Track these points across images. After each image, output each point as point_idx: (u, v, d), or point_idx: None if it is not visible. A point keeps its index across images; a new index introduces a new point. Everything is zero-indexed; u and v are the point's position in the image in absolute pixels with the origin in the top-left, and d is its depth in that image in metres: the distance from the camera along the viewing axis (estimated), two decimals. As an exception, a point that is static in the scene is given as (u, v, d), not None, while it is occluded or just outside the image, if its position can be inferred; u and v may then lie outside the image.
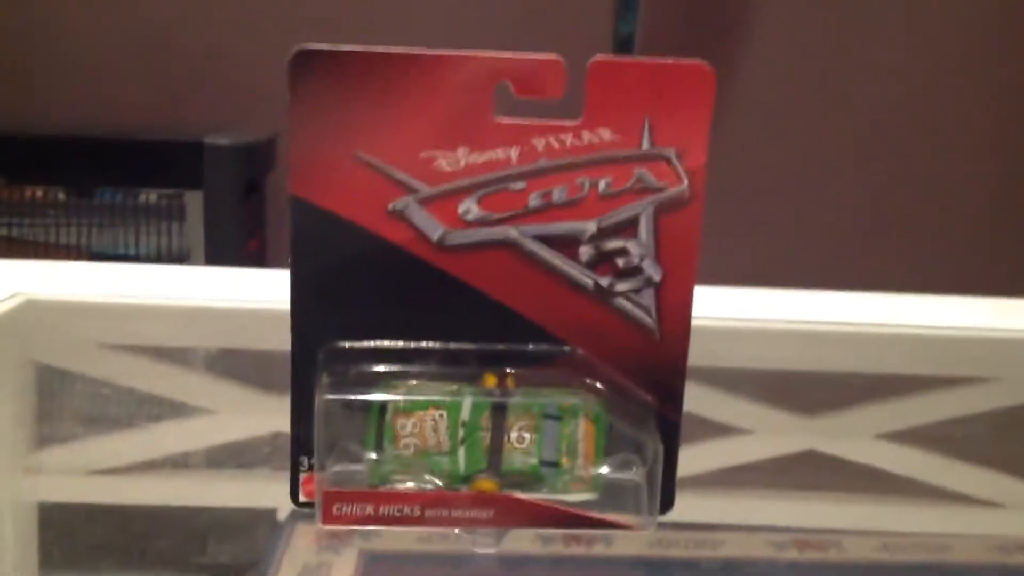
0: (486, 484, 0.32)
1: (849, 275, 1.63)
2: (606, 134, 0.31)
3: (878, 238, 1.69)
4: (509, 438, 0.32)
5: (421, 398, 0.32)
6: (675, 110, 0.31)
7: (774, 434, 0.44)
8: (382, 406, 0.32)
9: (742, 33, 1.65)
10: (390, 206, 0.31)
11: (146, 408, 0.43)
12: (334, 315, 0.32)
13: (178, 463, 0.44)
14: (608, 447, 0.33)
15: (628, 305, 0.33)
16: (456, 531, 0.32)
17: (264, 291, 0.43)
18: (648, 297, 0.33)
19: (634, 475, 0.33)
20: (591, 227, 0.32)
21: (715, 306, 0.43)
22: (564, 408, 0.32)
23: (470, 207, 0.31)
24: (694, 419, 0.43)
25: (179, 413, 0.43)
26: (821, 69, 1.65)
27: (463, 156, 0.31)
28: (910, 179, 1.68)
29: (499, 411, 0.32)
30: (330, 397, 0.32)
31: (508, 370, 0.33)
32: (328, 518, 0.31)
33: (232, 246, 1.40)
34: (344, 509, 0.31)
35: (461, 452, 0.32)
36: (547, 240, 0.32)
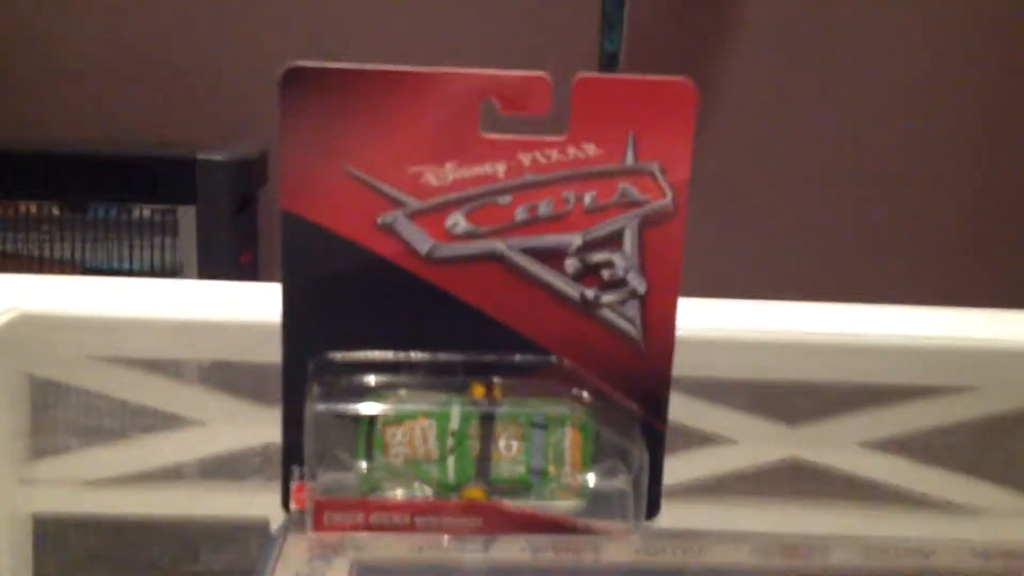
0: (475, 492, 0.33)
1: (831, 286, 1.64)
2: (591, 149, 0.32)
3: (860, 250, 1.70)
4: (497, 447, 0.33)
5: (410, 408, 0.33)
6: (658, 125, 0.32)
7: (758, 443, 0.45)
8: (372, 416, 0.32)
9: (725, 50, 1.67)
10: (379, 220, 0.32)
11: (139, 420, 0.44)
12: (324, 327, 0.33)
13: (171, 474, 0.44)
14: (594, 455, 0.33)
15: (613, 316, 0.33)
16: (446, 539, 0.33)
17: (256, 304, 0.43)
18: (633, 308, 0.33)
19: (620, 483, 0.33)
20: (577, 240, 0.33)
21: (699, 317, 0.43)
22: (551, 417, 0.33)
23: (458, 221, 0.32)
24: (679, 428, 0.43)
25: (172, 425, 0.44)
26: (804, 84, 1.67)
27: (451, 171, 0.32)
28: (892, 191, 1.70)
29: (487, 420, 0.33)
30: (321, 407, 0.32)
31: (495, 380, 0.33)
32: (319, 526, 0.32)
33: (225, 260, 1.41)
34: (335, 517, 0.32)
35: (450, 461, 0.33)
36: (534, 253, 0.33)
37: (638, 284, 0.33)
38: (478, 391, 0.33)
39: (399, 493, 0.32)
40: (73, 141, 1.54)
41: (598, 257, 0.33)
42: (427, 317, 0.33)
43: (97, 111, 1.62)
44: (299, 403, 0.32)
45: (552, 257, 0.33)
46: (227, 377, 0.43)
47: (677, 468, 0.43)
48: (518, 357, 0.33)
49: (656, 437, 0.34)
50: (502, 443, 0.33)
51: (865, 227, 1.70)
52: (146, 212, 1.41)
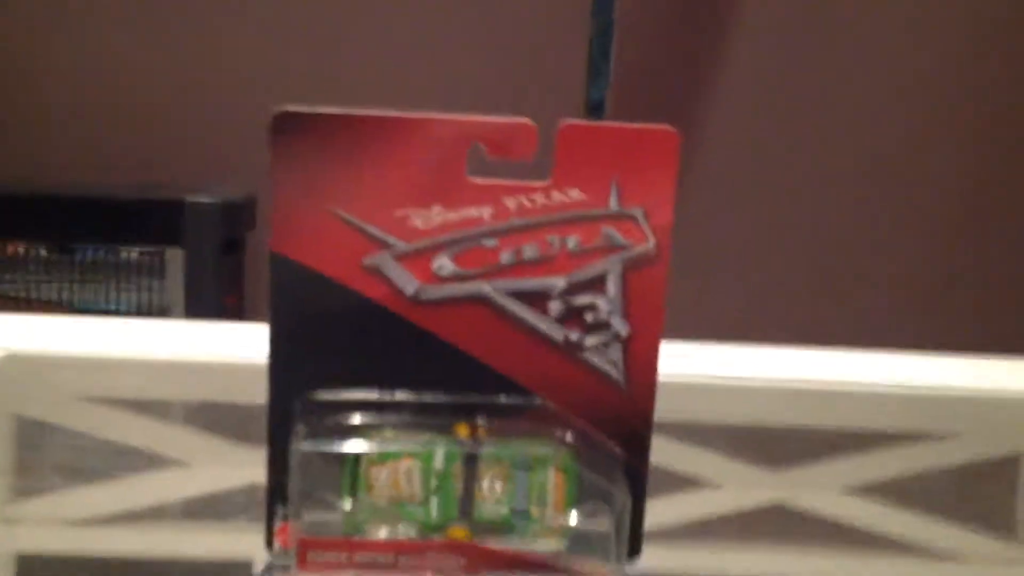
0: (458, 532, 0.33)
1: (816, 329, 1.65)
2: (575, 194, 0.32)
3: (842, 295, 1.71)
4: (481, 487, 0.33)
5: (395, 449, 0.33)
6: (642, 171, 0.33)
7: (742, 487, 0.45)
8: (356, 456, 0.33)
9: (710, 97, 1.69)
10: (366, 261, 0.32)
11: (124, 460, 0.44)
12: (310, 367, 0.33)
13: (155, 514, 0.44)
14: (577, 497, 0.34)
15: (596, 359, 0.34)
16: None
17: (242, 345, 0.43)
18: (616, 351, 0.34)
19: (602, 524, 0.34)
20: (561, 283, 0.33)
21: (682, 361, 0.44)
22: (535, 458, 0.33)
23: (444, 263, 0.33)
24: (663, 472, 0.44)
25: (156, 465, 0.44)
26: (789, 131, 1.69)
27: (437, 214, 0.32)
28: (876, 234, 1.71)
29: (471, 461, 0.33)
30: (306, 446, 0.32)
31: (480, 421, 0.34)
32: (303, 566, 0.32)
33: (211, 302, 1.41)
34: (319, 557, 0.32)
35: (434, 501, 0.33)
36: (519, 295, 0.33)
37: (621, 327, 0.33)
38: (462, 431, 0.33)
39: (383, 533, 0.33)
40: (61, 182, 1.54)
41: (582, 300, 0.33)
42: (413, 358, 0.33)
43: (85, 154, 1.63)
44: (284, 443, 0.33)
45: (537, 299, 0.33)
46: (213, 417, 0.44)
47: (660, 511, 0.43)
48: (503, 398, 0.34)
49: (638, 479, 0.34)
50: (486, 483, 0.33)
51: (848, 272, 1.71)
52: (134, 254, 1.41)
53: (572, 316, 0.33)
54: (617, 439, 0.34)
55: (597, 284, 0.33)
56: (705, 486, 0.45)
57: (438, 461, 0.33)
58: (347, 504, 0.32)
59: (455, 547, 0.32)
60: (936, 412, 0.45)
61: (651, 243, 0.33)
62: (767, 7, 1.67)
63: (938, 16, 1.67)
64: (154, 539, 0.44)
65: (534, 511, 0.33)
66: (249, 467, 0.42)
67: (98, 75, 1.64)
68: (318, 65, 1.65)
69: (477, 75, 1.65)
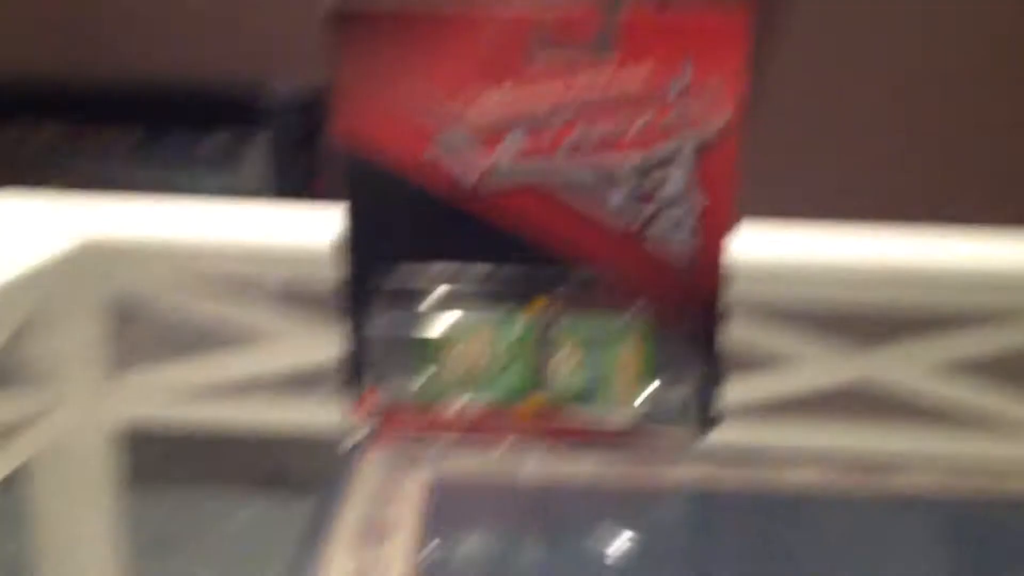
0: (535, 402, 0.34)
1: (898, 209, 1.61)
2: (643, 71, 0.32)
3: (928, 169, 1.67)
4: (556, 359, 0.34)
5: (472, 320, 0.34)
6: (712, 45, 0.32)
7: (826, 364, 0.45)
8: (435, 328, 0.34)
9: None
10: (428, 151, 0.33)
11: (216, 337, 0.46)
12: (382, 251, 0.34)
13: (248, 387, 0.46)
14: (653, 369, 0.34)
15: (668, 238, 0.34)
16: (511, 451, 0.34)
17: (322, 227, 0.44)
18: (688, 230, 0.34)
19: (677, 397, 0.34)
20: (629, 165, 0.33)
21: (762, 240, 0.43)
22: (610, 331, 0.34)
23: (508, 149, 0.33)
24: (744, 350, 0.44)
25: (247, 340, 0.45)
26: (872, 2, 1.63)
27: (499, 102, 0.32)
28: (961, 113, 1.65)
29: (547, 333, 0.34)
30: (384, 321, 0.33)
31: (555, 294, 0.34)
32: (384, 434, 0.33)
33: (297, 187, 1.43)
34: (400, 425, 0.33)
35: (510, 372, 0.34)
36: (585, 179, 0.33)
37: (693, 206, 0.33)
38: (538, 304, 0.34)
39: (460, 403, 0.34)
40: (150, 71, 1.56)
41: (651, 181, 0.33)
42: (479, 244, 0.34)
43: (173, 43, 1.64)
44: (362, 317, 0.34)
45: (604, 183, 0.33)
46: (298, 297, 0.45)
47: (742, 388, 0.43)
48: (579, 273, 0.34)
49: (714, 353, 0.35)
50: (562, 355, 0.34)
51: (935, 148, 1.66)
52: (220, 141, 1.43)
53: (642, 195, 0.33)
54: (691, 315, 0.35)
55: (667, 164, 0.33)
56: (787, 364, 0.45)
57: (514, 333, 0.33)
58: (425, 375, 0.34)
59: (532, 416, 0.33)
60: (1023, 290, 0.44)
61: (723, 118, 0.33)
62: None
63: None
64: (247, 411, 0.46)
65: (609, 383, 0.34)
66: (335, 343, 0.44)
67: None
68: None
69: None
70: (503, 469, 0.32)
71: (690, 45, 0.32)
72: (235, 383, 0.45)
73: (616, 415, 0.34)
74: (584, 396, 0.34)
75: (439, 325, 0.34)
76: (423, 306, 0.34)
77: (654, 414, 0.34)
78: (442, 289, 0.34)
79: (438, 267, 0.34)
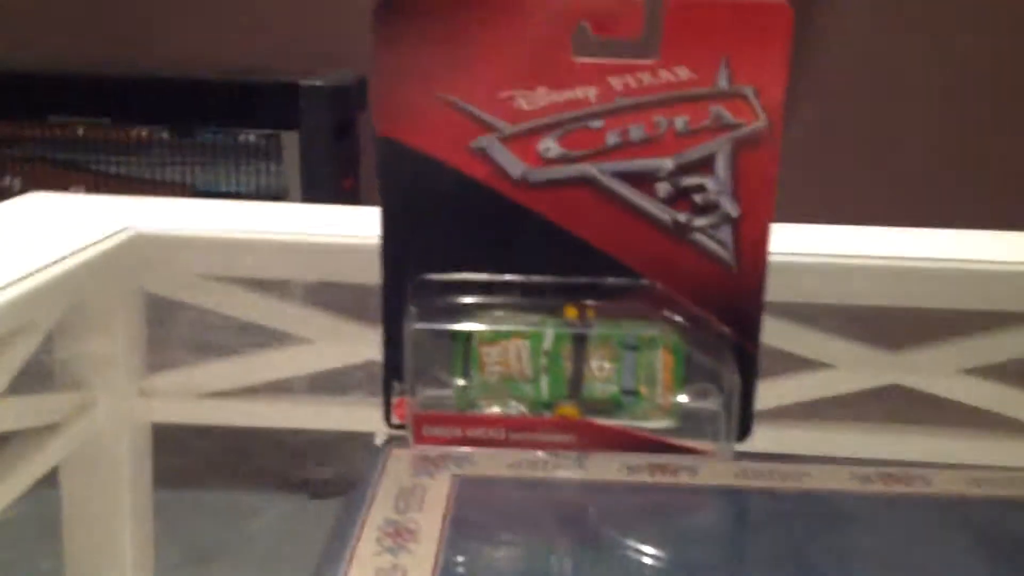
0: (568, 410, 0.34)
1: (931, 211, 1.60)
2: (683, 72, 0.32)
3: (963, 172, 1.65)
4: (590, 367, 0.34)
5: (505, 328, 0.33)
6: (753, 48, 0.32)
7: (857, 368, 0.44)
8: (468, 335, 0.33)
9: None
10: (471, 144, 0.33)
11: (248, 336, 0.46)
12: (421, 248, 0.34)
13: (279, 388, 0.46)
14: (686, 377, 0.34)
15: (705, 240, 0.33)
16: (541, 454, 0.34)
17: (357, 227, 0.44)
18: (725, 232, 0.33)
19: (712, 404, 0.34)
20: (668, 164, 0.33)
21: (795, 241, 0.43)
22: (643, 339, 0.34)
23: (550, 145, 0.33)
24: (776, 353, 0.43)
25: (279, 341, 0.45)
26: (912, 7, 1.61)
27: (543, 95, 0.32)
28: (996, 115, 1.63)
29: (580, 341, 0.33)
30: (419, 326, 0.33)
31: (588, 302, 0.34)
32: (419, 439, 0.33)
33: (327, 185, 1.43)
34: (434, 431, 0.33)
35: (544, 380, 0.33)
36: (625, 177, 0.33)
37: (731, 208, 0.33)
38: (571, 312, 0.34)
39: (494, 409, 0.34)
40: (182, 68, 1.57)
41: (690, 181, 0.33)
42: (519, 240, 0.33)
43: (204, 39, 1.65)
44: (398, 322, 0.34)
45: (644, 181, 0.33)
46: (330, 297, 0.45)
47: (773, 391, 0.43)
48: (611, 280, 0.34)
49: (748, 360, 0.35)
50: (595, 363, 0.33)
51: (969, 150, 1.64)
52: (251, 137, 1.44)
53: (680, 197, 0.33)
54: (726, 320, 0.34)
55: (706, 164, 0.33)
56: (819, 367, 0.44)
57: (548, 341, 0.33)
58: (460, 381, 0.33)
59: (565, 424, 0.33)
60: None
61: (762, 122, 0.32)
62: None
63: None
64: (278, 412, 0.46)
65: (642, 390, 0.34)
66: (367, 344, 0.44)
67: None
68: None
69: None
70: (531, 473, 0.32)
71: (731, 45, 0.32)
72: (266, 384, 0.45)
73: (649, 423, 0.34)
74: (617, 404, 0.34)
75: (474, 333, 0.33)
76: (458, 314, 0.34)
77: (687, 421, 0.34)
78: (477, 298, 0.34)
79: (475, 274, 0.34)
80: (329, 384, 0.45)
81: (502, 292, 0.34)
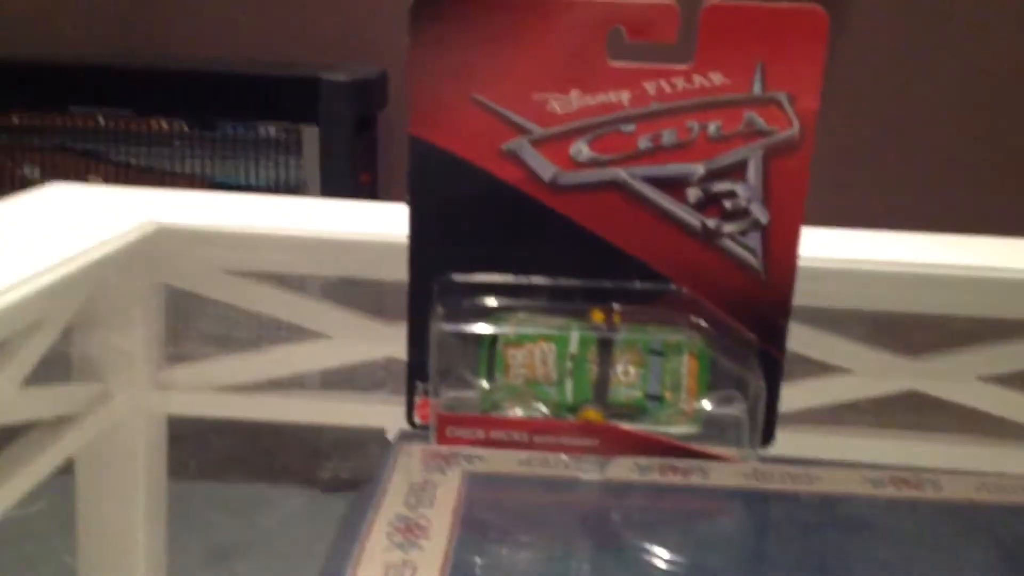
0: (592, 414, 0.33)
1: (956, 218, 1.59)
2: (717, 78, 0.32)
3: (987, 180, 1.64)
4: (615, 372, 0.33)
5: (531, 331, 0.33)
6: (787, 54, 0.32)
7: (876, 374, 0.44)
8: (494, 338, 0.33)
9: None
10: (503, 146, 0.33)
11: (267, 331, 0.45)
12: (449, 249, 0.34)
13: (297, 383, 0.46)
14: (711, 383, 0.34)
15: (734, 246, 0.33)
16: (563, 457, 0.34)
17: (378, 224, 0.44)
18: (754, 239, 0.33)
19: (736, 410, 0.34)
20: (700, 169, 0.33)
21: (819, 246, 0.43)
22: (668, 344, 0.33)
23: (581, 148, 0.32)
24: (797, 358, 0.43)
25: (298, 337, 0.45)
26: (934, 12, 1.60)
27: (575, 98, 0.32)
28: (1017, 121, 1.63)
29: (605, 345, 0.33)
30: (445, 327, 0.33)
31: (615, 306, 0.34)
32: (442, 439, 0.33)
33: (345, 179, 1.43)
34: (457, 432, 0.33)
35: (568, 383, 0.33)
36: (656, 182, 0.33)
37: (761, 214, 0.33)
38: (597, 316, 0.34)
39: (518, 412, 0.33)
40: (203, 62, 1.57)
41: (721, 187, 0.33)
42: (549, 242, 0.33)
43: (225, 33, 1.65)
44: (424, 322, 0.33)
45: (674, 186, 0.33)
46: (350, 293, 0.45)
47: (793, 396, 0.43)
48: (638, 284, 0.34)
49: (773, 366, 0.34)
50: (620, 368, 0.33)
51: (994, 158, 1.64)
52: (271, 131, 1.44)
53: (710, 203, 0.33)
54: (753, 326, 0.34)
55: (737, 170, 0.33)
56: (838, 372, 0.44)
57: (573, 345, 0.33)
58: (484, 383, 0.33)
59: (589, 428, 0.33)
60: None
61: (795, 129, 0.32)
62: None
63: None
64: (296, 406, 0.46)
65: (667, 396, 0.33)
66: (386, 341, 0.44)
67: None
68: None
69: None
70: (541, 471, 0.32)
71: (765, 51, 0.31)
72: (284, 379, 0.45)
73: (673, 428, 0.34)
74: (642, 409, 0.34)
75: (499, 335, 0.33)
76: (484, 316, 0.34)
77: (710, 427, 0.34)
78: (503, 300, 0.34)
79: (500, 276, 0.34)
80: (342, 382, 0.45)
81: (529, 295, 0.34)
